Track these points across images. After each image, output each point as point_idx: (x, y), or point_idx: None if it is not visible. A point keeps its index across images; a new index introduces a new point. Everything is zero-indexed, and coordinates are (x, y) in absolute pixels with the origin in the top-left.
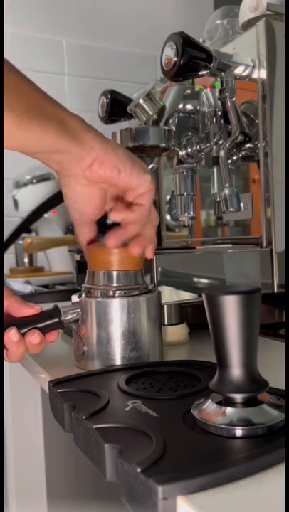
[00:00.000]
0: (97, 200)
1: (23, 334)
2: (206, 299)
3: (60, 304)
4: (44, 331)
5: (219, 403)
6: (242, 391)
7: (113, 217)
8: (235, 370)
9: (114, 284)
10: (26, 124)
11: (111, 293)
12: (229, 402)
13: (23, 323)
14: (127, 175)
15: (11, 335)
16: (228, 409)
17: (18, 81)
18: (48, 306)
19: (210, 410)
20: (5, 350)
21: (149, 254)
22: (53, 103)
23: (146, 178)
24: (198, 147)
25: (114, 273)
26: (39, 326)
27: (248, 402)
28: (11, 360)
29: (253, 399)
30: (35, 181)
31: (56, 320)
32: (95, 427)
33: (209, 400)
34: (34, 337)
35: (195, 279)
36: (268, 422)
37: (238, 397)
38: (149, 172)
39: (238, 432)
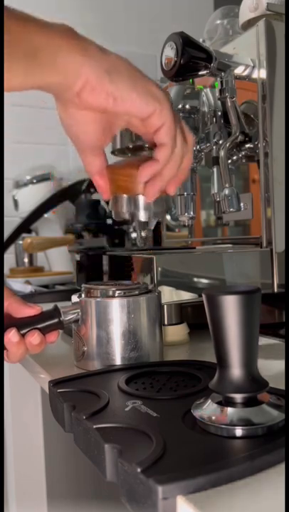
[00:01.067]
0: (95, 125)
1: (23, 335)
2: (206, 299)
3: (60, 304)
4: (44, 331)
5: (219, 403)
6: (242, 391)
7: (142, 177)
8: (235, 370)
9: (142, 212)
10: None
11: (111, 293)
12: (229, 402)
13: (23, 324)
14: (126, 102)
15: (11, 336)
16: (228, 409)
17: None
18: (48, 306)
19: (210, 410)
20: (5, 351)
21: (171, 190)
22: (23, 24)
23: (153, 106)
24: (198, 147)
25: (141, 198)
26: (39, 326)
27: (248, 402)
28: (11, 361)
29: (253, 399)
30: (35, 181)
31: (56, 320)
32: (95, 427)
33: (209, 400)
34: (34, 338)
35: (195, 279)
36: (267, 422)
37: (238, 397)
38: (162, 98)
39: (238, 432)
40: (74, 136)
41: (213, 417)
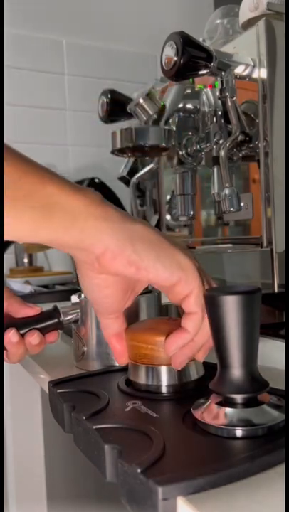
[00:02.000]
0: (116, 288)
1: (23, 335)
2: (207, 299)
3: (60, 304)
4: (44, 331)
5: (219, 403)
6: (242, 391)
7: (170, 350)
8: (236, 371)
9: (165, 383)
10: (8, 213)
11: None
12: (229, 403)
13: (23, 324)
14: (150, 272)
15: (11, 336)
16: (229, 410)
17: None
18: (47, 307)
19: (210, 411)
20: (5, 351)
21: (200, 357)
22: (45, 182)
23: (178, 276)
24: (198, 147)
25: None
26: (39, 326)
27: (249, 403)
28: (11, 361)
29: (253, 399)
30: None
31: (56, 320)
32: (94, 427)
33: (209, 401)
34: (34, 338)
35: None
36: (268, 422)
37: (239, 397)
38: (189, 266)
39: (239, 432)
40: (93, 299)
41: (213, 418)
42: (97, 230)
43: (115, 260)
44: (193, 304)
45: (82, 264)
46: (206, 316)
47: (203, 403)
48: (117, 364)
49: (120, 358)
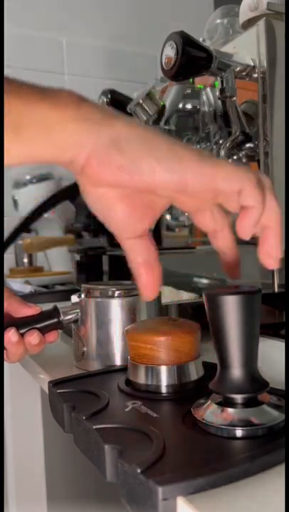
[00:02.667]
0: (123, 204)
1: (23, 334)
2: (207, 299)
3: (59, 304)
4: (43, 331)
5: (219, 403)
6: (242, 391)
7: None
8: (236, 371)
9: (165, 383)
10: None
11: (111, 293)
12: (229, 403)
13: (23, 324)
14: (145, 175)
15: (11, 335)
16: (229, 410)
17: None
18: (47, 307)
19: (210, 411)
20: (5, 351)
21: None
22: (7, 96)
23: (180, 173)
24: (198, 147)
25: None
26: (38, 326)
27: (249, 403)
28: (10, 361)
29: (253, 399)
30: (35, 181)
31: (55, 320)
32: (94, 427)
33: (209, 401)
34: (33, 337)
35: (195, 279)
36: (268, 422)
37: (239, 397)
38: (197, 158)
39: (239, 432)
40: (102, 218)
41: (214, 418)
42: (77, 135)
43: (102, 168)
44: (245, 199)
45: (78, 179)
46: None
47: (203, 403)
48: (117, 364)
49: (146, 291)
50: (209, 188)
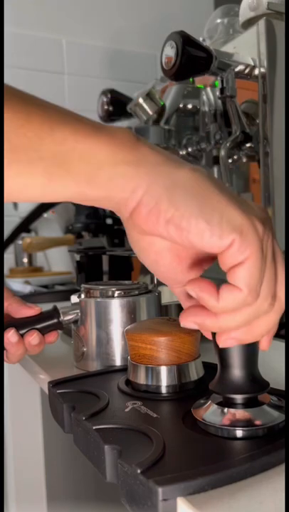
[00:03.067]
0: (171, 259)
1: (23, 335)
2: None
3: (59, 304)
4: (43, 331)
5: (220, 404)
6: (242, 392)
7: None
8: (236, 371)
9: (165, 384)
10: (11, 169)
11: (110, 293)
12: (230, 403)
13: (23, 324)
14: (191, 233)
15: (10, 336)
16: (229, 410)
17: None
18: (47, 307)
19: (210, 411)
20: (4, 351)
21: (265, 346)
22: (54, 125)
23: (228, 238)
24: (198, 147)
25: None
26: (38, 326)
27: (249, 403)
28: (10, 361)
29: (253, 400)
30: None
31: (55, 321)
32: (94, 427)
33: (209, 401)
34: (33, 338)
35: None
36: (268, 422)
37: (239, 397)
38: (247, 224)
39: (239, 433)
40: (148, 265)
41: (214, 418)
42: (128, 178)
43: (150, 216)
44: (242, 278)
45: (124, 222)
46: (257, 301)
47: (203, 403)
48: (117, 364)
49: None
50: None
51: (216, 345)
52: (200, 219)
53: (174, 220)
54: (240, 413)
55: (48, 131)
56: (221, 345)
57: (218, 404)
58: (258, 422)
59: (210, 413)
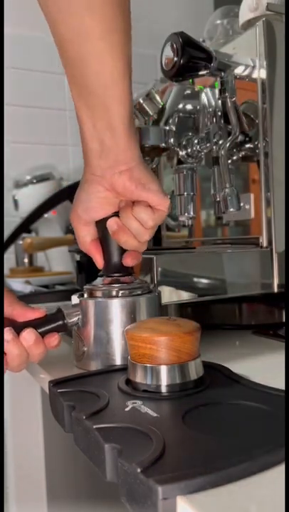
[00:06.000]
0: (110, 206)
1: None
2: None
3: (59, 304)
4: (47, 334)
5: None
6: None
7: (127, 263)
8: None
9: (165, 383)
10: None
11: (111, 293)
12: None
13: (26, 327)
14: (151, 191)
15: (7, 335)
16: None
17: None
18: (47, 307)
19: None
20: (5, 355)
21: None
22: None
23: (166, 199)
24: (198, 147)
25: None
26: (44, 329)
27: None
28: (10, 367)
29: None
30: (35, 181)
31: (60, 323)
32: (95, 427)
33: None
34: (30, 336)
35: (195, 279)
36: None
37: None
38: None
39: None
40: (86, 211)
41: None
42: (136, 148)
43: (132, 178)
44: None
45: (98, 179)
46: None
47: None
48: (117, 364)
49: (100, 263)
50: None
51: None
52: (155, 185)
53: (142, 182)
54: None
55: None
56: None
57: None
58: None
59: None
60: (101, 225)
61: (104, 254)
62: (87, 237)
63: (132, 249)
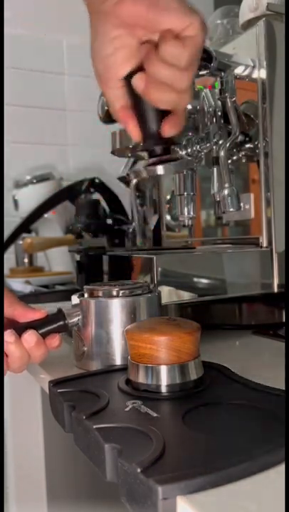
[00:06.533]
0: (126, 48)
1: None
2: None
3: (60, 305)
4: (48, 335)
5: None
6: None
7: (165, 132)
8: None
9: (165, 383)
10: None
11: (111, 293)
12: None
13: (28, 328)
14: (169, 12)
15: (8, 335)
16: None
17: None
18: (48, 307)
19: None
20: (5, 357)
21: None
22: None
23: (195, 18)
24: (198, 147)
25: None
26: (44, 330)
27: None
28: (11, 368)
29: None
30: (35, 181)
31: (61, 323)
32: (95, 427)
33: None
34: (32, 338)
35: (195, 279)
36: None
37: None
38: (196, 12)
39: None
40: (103, 61)
41: None
42: None
43: (137, 1)
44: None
45: (102, 15)
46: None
47: None
48: (117, 364)
49: (135, 134)
50: None
51: None
52: (175, 4)
53: (155, 2)
54: None
55: None
56: None
57: None
58: None
59: None
60: (129, 87)
61: (139, 124)
62: (115, 103)
63: (171, 108)
